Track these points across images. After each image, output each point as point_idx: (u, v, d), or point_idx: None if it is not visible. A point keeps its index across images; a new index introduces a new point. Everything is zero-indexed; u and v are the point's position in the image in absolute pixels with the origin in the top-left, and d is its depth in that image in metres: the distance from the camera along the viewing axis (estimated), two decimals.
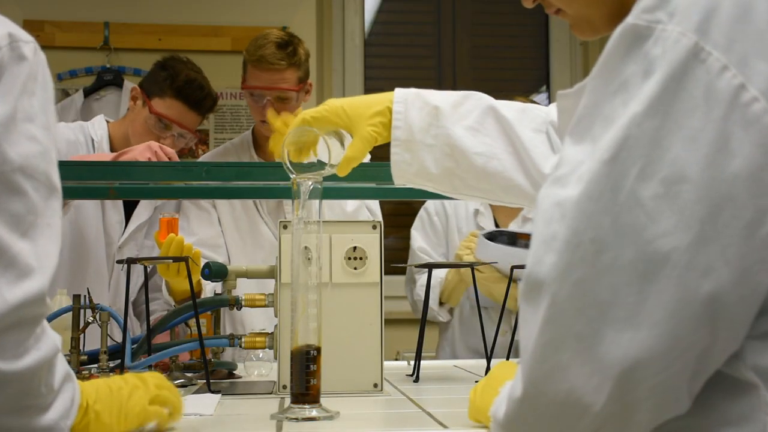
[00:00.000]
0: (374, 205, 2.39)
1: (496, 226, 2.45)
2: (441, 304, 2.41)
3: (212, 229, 2.31)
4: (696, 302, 0.70)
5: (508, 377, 0.93)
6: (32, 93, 0.91)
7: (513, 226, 2.46)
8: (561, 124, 0.90)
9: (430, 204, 2.52)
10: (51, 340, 0.90)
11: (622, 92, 0.74)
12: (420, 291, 2.39)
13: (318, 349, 1.18)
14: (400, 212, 3.96)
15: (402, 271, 2.94)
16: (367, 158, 2.51)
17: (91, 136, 2.27)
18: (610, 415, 0.72)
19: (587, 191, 0.73)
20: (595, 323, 0.71)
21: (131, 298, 2.27)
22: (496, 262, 2.08)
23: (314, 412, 1.15)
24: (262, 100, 2.27)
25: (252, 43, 2.29)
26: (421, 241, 2.48)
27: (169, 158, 2.01)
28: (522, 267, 1.66)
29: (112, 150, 2.28)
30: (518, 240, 2.10)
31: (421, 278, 2.39)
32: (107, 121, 2.35)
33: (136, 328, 2.27)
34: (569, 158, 0.76)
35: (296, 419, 1.14)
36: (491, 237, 2.13)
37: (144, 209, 2.32)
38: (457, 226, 2.47)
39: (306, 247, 1.19)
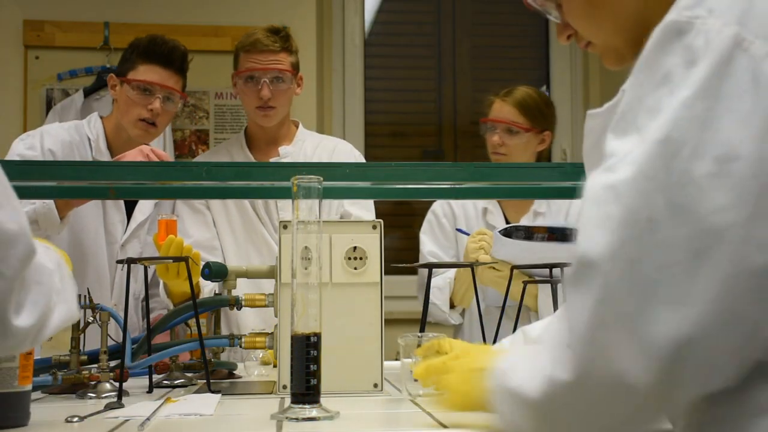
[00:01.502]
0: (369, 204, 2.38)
1: (507, 222, 2.42)
2: (452, 307, 2.36)
3: (208, 231, 2.31)
4: (750, 276, 0.72)
5: (487, 362, 0.92)
6: None
7: (524, 221, 2.44)
8: (588, 144, 0.92)
9: (437, 206, 2.49)
10: None
11: (666, 83, 0.76)
12: (436, 292, 2.34)
13: (318, 349, 1.18)
14: (400, 212, 3.96)
15: (402, 271, 2.93)
16: (362, 158, 2.51)
17: (87, 135, 2.27)
18: (655, 392, 0.74)
19: (642, 171, 0.74)
20: (644, 302, 0.72)
21: (140, 296, 2.27)
22: (496, 262, 2.07)
23: (314, 412, 1.15)
24: (258, 83, 2.29)
25: (242, 37, 2.35)
26: (430, 245, 2.44)
27: (161, 159, 2.01)
28: (526, 267, 1.67)
29: (108, 146, 2.28)
30: (534, 234, 2.05)
31: (435, 280, 2.31)
32: (101, 118, 2.34)
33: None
34: (616, 150, 0.78)
35: (296, 419, 1.14)
36: (507, 233, 2.08)
37: (145, 206, 2.32)
38: (466, 227, 2.46)
39: (306, 247, 1.19)
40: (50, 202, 1.97)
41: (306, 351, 1.17)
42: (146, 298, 1.57)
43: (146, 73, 2.23)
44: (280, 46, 2.31)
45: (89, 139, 2.26)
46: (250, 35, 2.32)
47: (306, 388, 1.16)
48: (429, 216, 2.50)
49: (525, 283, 1.68)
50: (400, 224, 3.96)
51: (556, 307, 1.66)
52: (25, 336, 0.90)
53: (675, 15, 0.77)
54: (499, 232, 2.08)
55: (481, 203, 2.46)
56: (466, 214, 2.47)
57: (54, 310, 0.95)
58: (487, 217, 2.46)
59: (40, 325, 0.92)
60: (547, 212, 2.45)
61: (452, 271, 2.34)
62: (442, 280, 2.34)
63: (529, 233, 2.04)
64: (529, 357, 0.85)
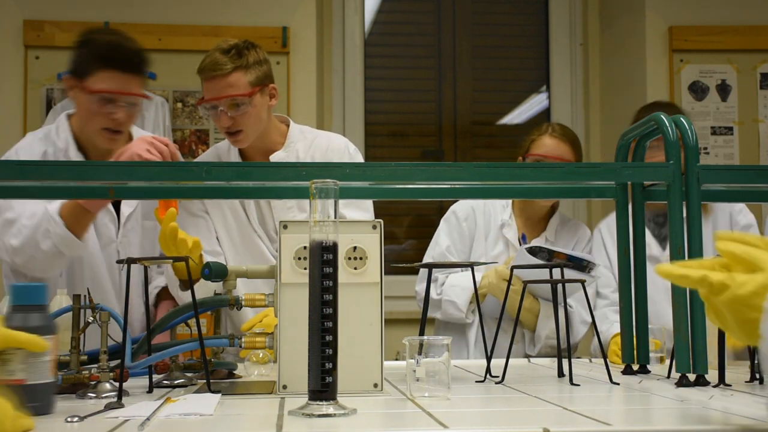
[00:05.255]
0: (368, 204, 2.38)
1: (521, 238, 2.53)
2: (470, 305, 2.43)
3: (210, 237, 2.30)
4: None
5: None
6: None
7: (536, 242, 2.52)
8: None
9: (458, 207, 2.57)
10: None
11: None
12: (448, 290, 2.43)
13: (334, 348, 1.17)
14: (400, 212, 3.96)
15: (402, 272, 2.94)
16: (357, 153, 2.51)
17: (57, 144, 2.22)
18: None
19: None
20: None
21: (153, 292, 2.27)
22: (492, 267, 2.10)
23: (331, 409, 1.16)
24: (216, 111, 2.20)
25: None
26: (447, 241, 2.54)
27: (166, 145, 2.00)
28: (535, 282, 1.69)
29: (81, 147, 2.24)
30: (555, 258, 2.16)
31: (459, 279, 2.43)
32: (69, 117, 2.27)
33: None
34: None
35: (311, 415, 1.14)
36: (532, 252, 2.20)
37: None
38: (485, 234, 2.55)
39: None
40: (63, 231, 2.00)
41: (322, 349, 1.16)
42: (146, 299, 1.57)
43: (106, 80, 2.11)
44: (231, 68, 2.16)
45: (60, 149, 2.21)
46: (205, 57, 2.20)
47: (322, 385, 1.16)
48: (449, 215, 2.58)
49: (525, 282, 1.69)
50: (401, 224, 3.96)
51: (556, 325, 1.66)
52: None
53: None
54: (526, 249, 2.21)
55: (501, 216, 2.55)
56: (486, 223, 2.55)
57: None
58: (503, 230, 2.54)
59: None
60: (555, 242, 2.54)
61: (478, 273, 2.41)
62: (467, 280, 2.39)
63: (550, 256, 2.17)
64: None
